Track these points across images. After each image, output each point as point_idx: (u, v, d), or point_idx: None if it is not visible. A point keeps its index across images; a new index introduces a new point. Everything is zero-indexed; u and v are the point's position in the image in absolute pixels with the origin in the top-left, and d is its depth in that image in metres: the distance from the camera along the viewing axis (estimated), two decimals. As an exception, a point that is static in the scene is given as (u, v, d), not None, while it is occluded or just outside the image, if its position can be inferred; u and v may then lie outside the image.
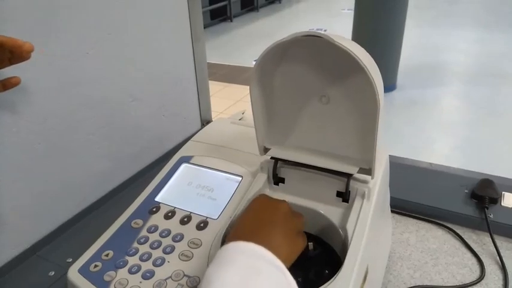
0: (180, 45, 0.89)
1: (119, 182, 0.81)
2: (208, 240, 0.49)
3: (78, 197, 0.74)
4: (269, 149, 0.54)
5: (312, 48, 0.47)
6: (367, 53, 0.46)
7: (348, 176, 0.50)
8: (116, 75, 0.75)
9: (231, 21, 6.52)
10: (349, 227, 0.47)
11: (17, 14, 0.58)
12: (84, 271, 0.47)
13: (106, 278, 0.46)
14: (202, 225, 0.51)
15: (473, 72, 4.14)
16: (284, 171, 0.54)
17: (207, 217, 0.52)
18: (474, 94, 3.64)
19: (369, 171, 0.49)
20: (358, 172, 0.49)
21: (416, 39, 5.13)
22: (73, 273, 0.47)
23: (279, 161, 0.53)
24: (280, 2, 7.81)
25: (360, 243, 0.45)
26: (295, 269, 0.50)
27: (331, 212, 0.51)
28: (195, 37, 0.90)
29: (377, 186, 0.51)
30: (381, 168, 0.54)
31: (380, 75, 0.46)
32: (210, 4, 5.89)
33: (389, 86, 3.88)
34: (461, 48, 4.85)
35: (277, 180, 0.54)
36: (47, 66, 0.63)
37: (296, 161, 0.52)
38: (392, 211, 0.78)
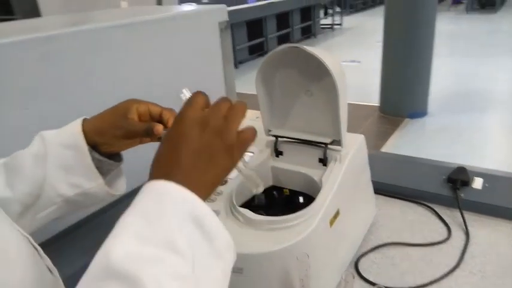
0: (212, 68, 1.14)
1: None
2: (227, 191, 0.70)
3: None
4: (271, 130, 0.75)
5: (299, 56, 0.69)
6: (337, 61, 0.67)
7: (325, 145, 0.70)
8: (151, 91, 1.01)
9: (268, 55, 6.89)
10: (324, 179, 0.66)
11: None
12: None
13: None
14: (224, 182, 0.72)
15: (508, 99, 4.18)
16: (282, 146, 0.75)
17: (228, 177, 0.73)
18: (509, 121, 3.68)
19: (339, 142, 0.69)
20: (332, 143, 0.70)
21: (450, 68, 5.22)
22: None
23: (278, 138, 0.75)
24: (315, 37, 8.14)
25: (330, 188, 0.65)
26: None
27: (315, 173, 0.71)
28: (225, 61, 1.14)
29: (349, 156, 0.71)
30: (354, 145, 0.74)
31: (344, 76, 0.67)
32: (249, 40, 6.30)
33: (419, 112, 3.99)
34: (496, 76, 4.89)
35: (278, 153, 0.75)
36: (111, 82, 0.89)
37: (290, 137, 0.73)
38: (382, 194, 0.96)
